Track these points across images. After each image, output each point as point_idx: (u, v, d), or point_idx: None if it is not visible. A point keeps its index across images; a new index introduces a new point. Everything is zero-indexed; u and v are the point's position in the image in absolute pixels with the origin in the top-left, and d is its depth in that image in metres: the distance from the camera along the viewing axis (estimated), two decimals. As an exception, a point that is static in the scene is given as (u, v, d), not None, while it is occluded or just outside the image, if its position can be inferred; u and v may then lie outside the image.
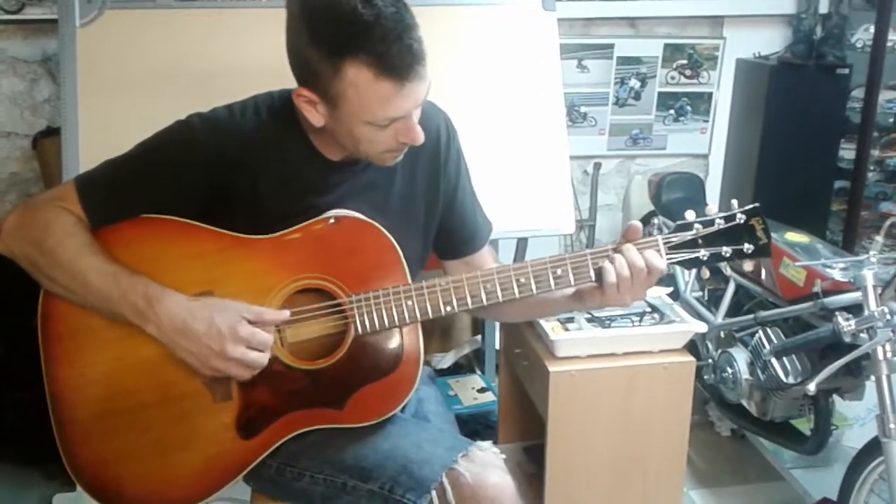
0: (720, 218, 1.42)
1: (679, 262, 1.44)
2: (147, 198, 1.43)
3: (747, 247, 1.42)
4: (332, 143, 1.45)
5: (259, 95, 1.49)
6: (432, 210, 1.58)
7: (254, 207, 1.44)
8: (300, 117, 1.44)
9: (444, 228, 1.61)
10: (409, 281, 1.45)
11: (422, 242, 1.59)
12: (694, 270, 2.67)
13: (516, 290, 1.44)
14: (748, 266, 1.45)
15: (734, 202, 1.44)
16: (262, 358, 1.38)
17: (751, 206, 1.43)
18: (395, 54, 1.27)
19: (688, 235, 1.42)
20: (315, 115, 1.37)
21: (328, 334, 1.45)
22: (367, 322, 1.42)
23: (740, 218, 1.41)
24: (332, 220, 1.44)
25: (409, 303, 1.42)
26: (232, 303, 1.38)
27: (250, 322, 1.37)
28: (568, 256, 1.43)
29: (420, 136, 1.39)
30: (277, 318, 1.40)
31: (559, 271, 1.43)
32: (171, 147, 1.43)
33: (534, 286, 1.43)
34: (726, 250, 1.42)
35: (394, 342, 1.45)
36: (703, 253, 1.42)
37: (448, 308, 1.43)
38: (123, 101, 2.30)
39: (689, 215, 1.44)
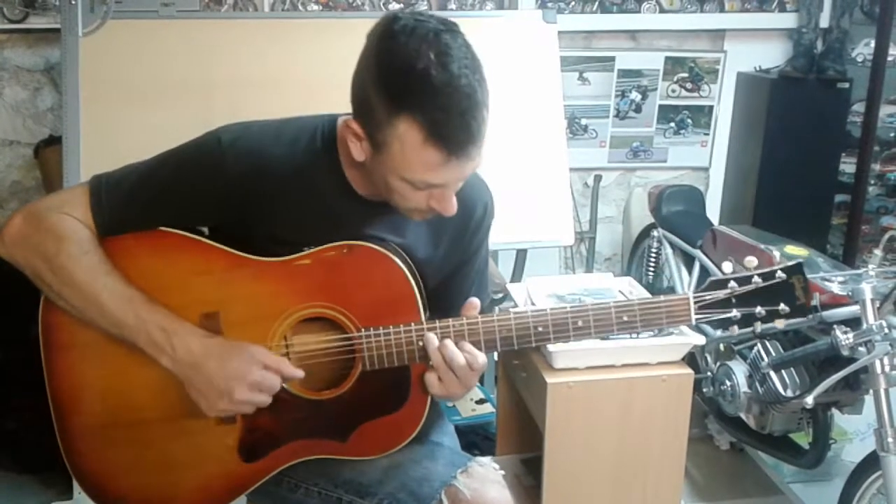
0: (758, 275, 1.34)
1: (708, 322, 1.37)
2: (161, 214, 1.39)
3: (783, 308, 1.34)
4: (369, 182, 1.39)
5: (303, 119, 1.43)
6: (441, 272, 1.53)
7: (270, 235, 1.40)
8: (340, 149, 1.39)
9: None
10: (423, 317, 1.39)
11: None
12: (695, 280, 2.69)
13: (533, 338, 1.39)
14: (780, 324, 1.36)
15: (776, 254, 1.36)
16: (267, 400, 1.35)
17: (793, 262, 1.35)
18: (452, 128, 1.21)
19: (721, 294, 1.35)
20: (358, 149, 1.31)
21: (336, 364, 1.42)
22: (374, 359, 1.38)
23: (780, 276, 1.34)
24: (345, 250, 1.38)
25: (420, 343, 1.36)
26: (251, 346, 1.35)
27: (266, 367, 1.34)
28: (590, 307, 1.38)
29: (452, 209, 1.32)
30: (294, 375, 1.36)
31: (580, 322, 1.38)
32: (194, 168, 1.38)
33: (552, 334, 1.39)
34: (760, 311, 1.34)
35: (402, 380, 1.40)
36: (735, 314, 1.35)
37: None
38: (125, 110, 2.31)
39: (727, 268, 1.36)
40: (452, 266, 1.54)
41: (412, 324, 1.37)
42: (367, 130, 1.28)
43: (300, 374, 1.37)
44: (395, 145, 1.25)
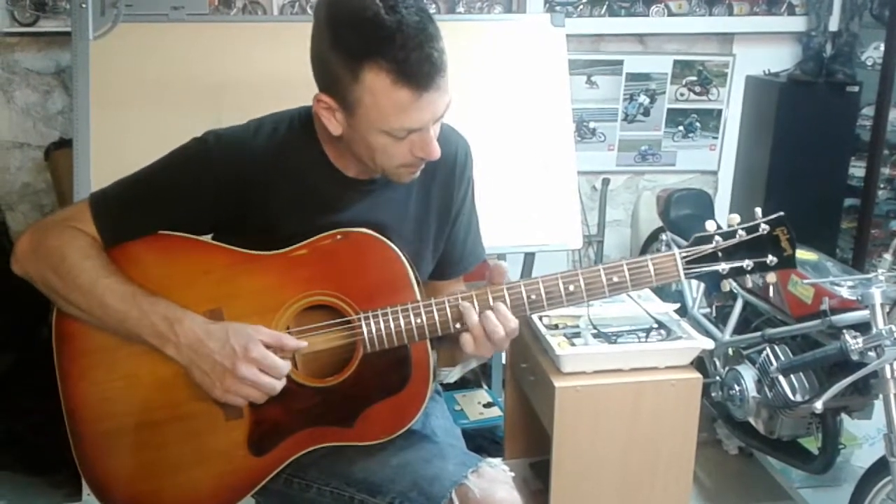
0: (742, 229, 1.36)
1: (697, 277, 1.39)
2: (159, 216, 1.43)
3: (770, 259, 1.36)
4: (349, 158, 1.44)
5: (278, 113, 1.49)
6: (442, 231, 1.58)
7: (266, 226, 1.43)
8: (318, 131, 1.44)
9: None
10: (418, 296, 1.42)
11: (431, 263, 1.59)
12: (703, 285, 2.68)
13: (528, 308, 1.41)
14: (771, 278, 1.39)
15: (758, 210, 1.38)
16: (275, 383, 1.36)
17: (775, 215, 1.37)
18: (415, 62, 1.26)
19: (707, 249, 1.37)
20: (333, 122, 1.36)
21: (338, 351, 1.44)
22: (375, 339, 1.40)
23: (764, 228, 1.36)
24: (339, 237, 1.42)
25: (418, 320, 1.39)
26: (251, 326, 1.37)
27: (268, 346, 1.36)
28: (580, 271, 1.40)
29: (436, 151, 1.37)
30: (297, 346, 1.39)
31: (571, 287, 1.40)
32: (184, 166, 1.43)
33: (545, 303, 1.41)
34: (748, 263, 1.37)
35: (403, 360, 1.43)
36: (723, 267, 1.37)
37: (457, 325, 1.40)
38: (135, 112, 2.32)
39: (710, 226, 1.39)
40: (451, 217, 1.58)
41: (408, 303, 1.40)
42: (337, 98, 1.33)
43: (303, 344, 1.39)
44: (366, 99, 1.29)
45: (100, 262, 1.40)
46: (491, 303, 1.39)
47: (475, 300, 1.39)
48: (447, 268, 1.62)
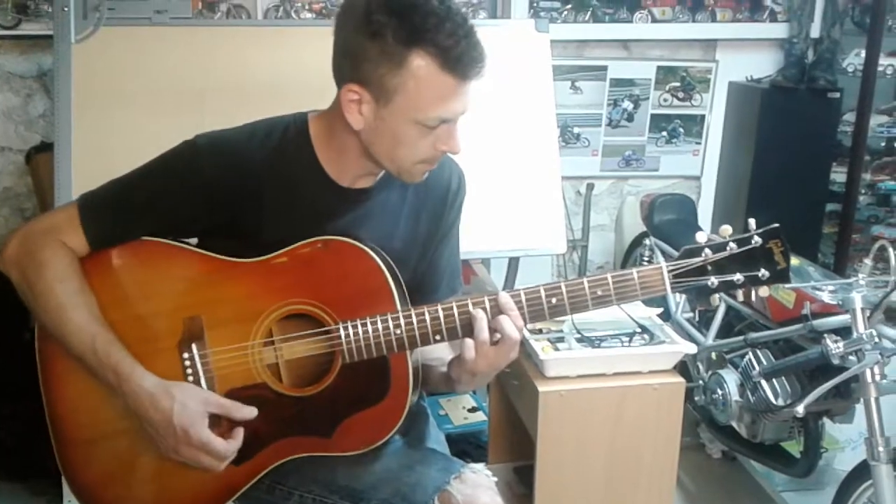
0: (733, 241, 1.31)
1: (685, 291, 1.35)
2: (149, 220, 1.42)
3: (763, 273, 1.30)
4: (348, 164, 1.43)
5: (271, 119, 1.47)
6: (425, 255, 1.56)
7: (255, 233, 1.42)
8: (314, 138, 1.43)
9: None
10: (398, 306, 1.39)
11: (408, 284, 1.54)
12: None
13: None
14: (763, 292, 1.33)
15: (752, 222, 1.33)
16: (216, 465, 1.37)
17: (770, 227, 1.32)
18: (463, 50, 1.28)
19: (696, 262, 1.32)
20: (356, 116, 1.34)
21: (318, 361, 1.43)
22: (354, 350, 1.38)
23: (756, 241, 1.30)
24: (319, 245, 1.40)
25: (398, 331, 1.38)
26: (198, 395, 1.37)
27: (217, 415, 1.37)
28: (564, 283, 1.38)
29: (460, 145, 1.37)
30: (245, 416, 1.38)
31: (554, 300, 1.37)
32: (174, 171, 1.41)
33: (527, 317, 1.39)
34: (739, 277, 1.31)
35: (382, 371, 1.41)
36: (712, 281, 1.31)
37: (437, 337, 1.38)
38: (117, 117, 2.30)
39: (700, 237, 1.34)
40: (435, 243, 1.57)
41: (388, 314, 1.38)
42: (371, 87, 1.31)
43: (253, 413, 1.38)
44: (409, 84, 1.29)
45: (72, 288, 1.39)
46: (471, 309, 1.37)
47: (457, 307, 1.37)
48: (424, 295, 1.57)
